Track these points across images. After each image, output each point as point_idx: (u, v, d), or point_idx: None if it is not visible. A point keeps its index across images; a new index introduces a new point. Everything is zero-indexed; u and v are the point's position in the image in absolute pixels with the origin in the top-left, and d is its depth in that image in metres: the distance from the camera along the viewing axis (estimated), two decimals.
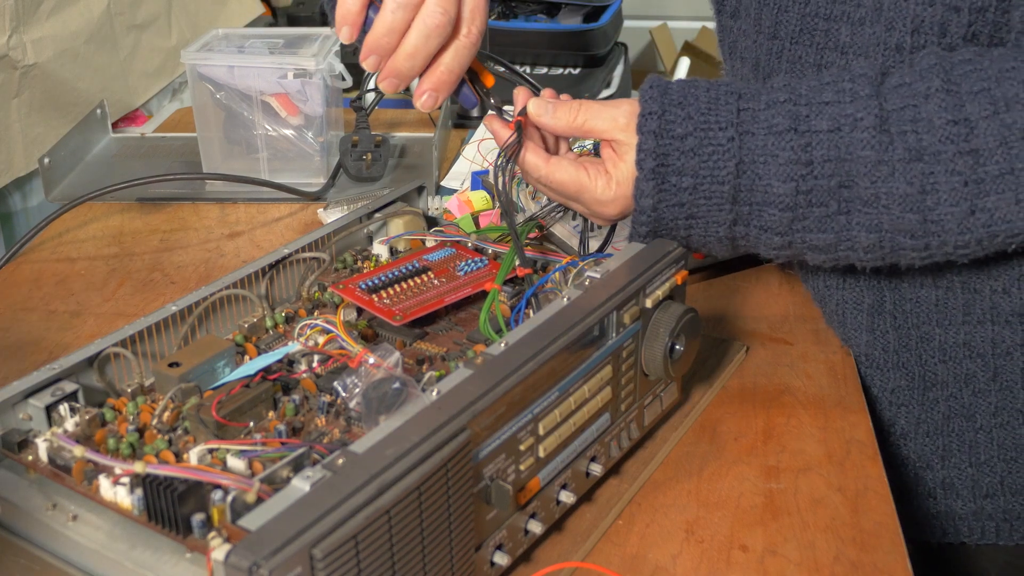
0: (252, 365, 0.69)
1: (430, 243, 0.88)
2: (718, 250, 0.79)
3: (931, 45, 0.76)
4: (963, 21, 0.75)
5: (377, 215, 0.90)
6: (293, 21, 1.97)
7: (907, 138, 0.71)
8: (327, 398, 0.68)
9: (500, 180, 0.78)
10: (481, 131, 1.33)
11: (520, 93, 0.81)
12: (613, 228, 0.87)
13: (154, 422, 0.66)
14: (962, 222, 0.71)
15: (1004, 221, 0.71)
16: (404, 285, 0.80)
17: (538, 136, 0.82)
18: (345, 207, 1.15)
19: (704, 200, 0.74)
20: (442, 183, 1.27)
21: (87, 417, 0.65)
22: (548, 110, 0.78)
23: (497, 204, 1.06)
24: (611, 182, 0.76)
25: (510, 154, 0.78)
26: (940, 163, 0.70)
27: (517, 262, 0.79)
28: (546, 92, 0.82)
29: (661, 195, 0.74)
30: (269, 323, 0.78)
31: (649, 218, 0.75)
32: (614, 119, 0.76)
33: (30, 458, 0.64)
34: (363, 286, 0.79)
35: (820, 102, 0.73)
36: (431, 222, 0.94)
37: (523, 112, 0.80)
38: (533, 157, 0.79)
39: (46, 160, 1.23)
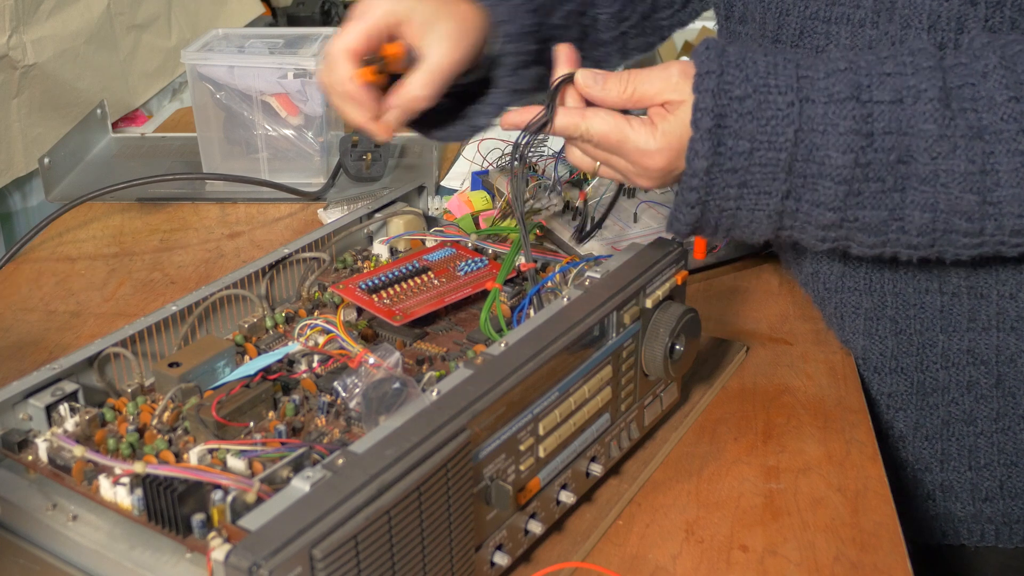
0: (252, 365, 0.69)
1: (430, 243, 0.88)
2: (762, 230, 0.74)
3: (948, 43, 0.76)
4: (980, 15, 0.75)
5: (377, 215, 0.90)
6: (293, 21, 1.98)
7: (968, 116, 0.69)
8: (327, 398, 0.68)
9: (518, 150, 0.74)
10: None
11: (561, 52, 0.76)
12: (609, 208, 0.85)
13: (154, 422, 0.66)
14: (1021, 204, 0.69)
15: None
16: (404, 285, 0.80)
17: (574, 98, 0.76)
18: (345, 207, 1.15)
19: (759, 167, 0.70)
20: (442, 183, 1.27)
21: (87, 417, 0.65)
22: (598, 81, 0.74)
23: (502, 199, 1.05)
24: (655, 131, 0.71)
25: (536, 127, 0.74)
26: (1001, 142, 0.68)
27: (522, 259, 0.79)
28: (565, 49, 0.76)
29: (716, 157, 0.70)
30: (269, 323, 0.78)
31: (701, 182, 0.70)
32: (666, 78, 0.72)
33: (30, 458, 0.64)
34: (363, 286, 0.79)
35: (881, 73, 0.70)
36: (431, 222, 0.94)
37: (564, 80, 0.74)
38: (566, 117, 0.74)
39: (46, 160, 1.23)
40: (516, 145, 0.75)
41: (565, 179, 1.11)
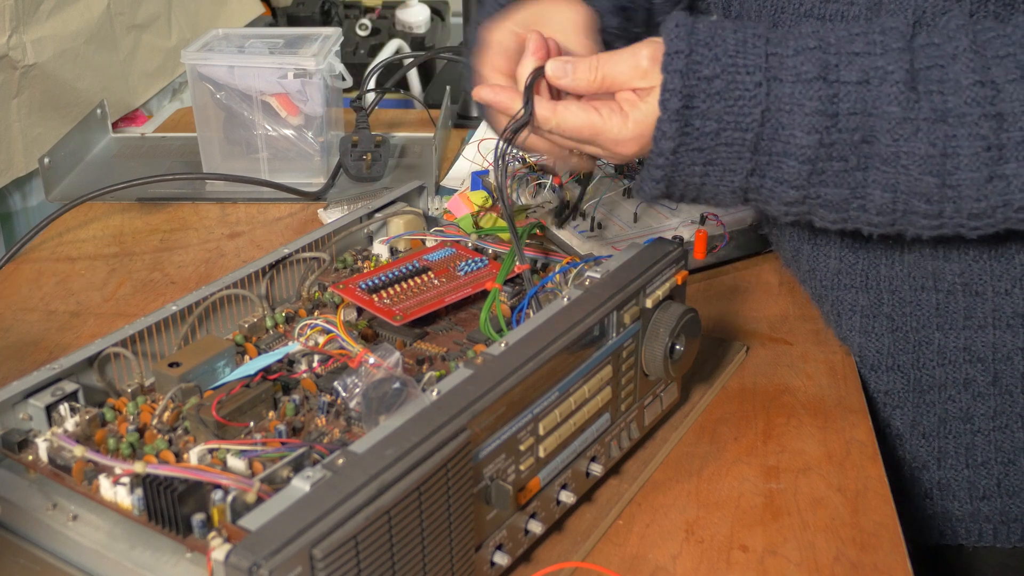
0: (252, 365, 0.69)
1: (430, 243, 0.88)
2: (727, 202, 0.75)
3: None
4: (964, 10, 0.75)
5: (377, 215, 0.90)
6: (293, 21, 1.97)
7: (933, 98, 0.69)
8: (327, 398, 0.68)
9: (502, 163, 0.75)
10: (481, 131, 1.33)
11: (531, 41, 0.77)
12: (583, 189, 0.84)
13: (154, 422, 0.66)
14: (980, 188, 0.69)
15: (1021, 190, 0.69)
16: (404, 285, 0.80)
17: (544, 89, 0.78)
18: (345, 207, 1.15)
19: (725, 147, 0.71)
20: (442, 183, 1.27)
21: (87, 417, 0.65)
22: (568, 70, 0.75)
23: (496, 199, 1.05)
24: (627, 121, 0.72)
25: (517, 126, 0.75)
26: (964, 126, 0.68)
27: (516, 261, 0.79)
28: (536, 38, 0.78)
29: (683, 138, 0.70)
30: (269, 323, 0.78)
31: (667, 161, 0.71)
32: (636, 65, 0.72)
33: (30, 458, 0.64)
34: (363, 286, 0.79)
35: (850, 52, 0.70)
36: (431, 222, 0.94)
37: (536, 75, 0.75)
38: (539, 110, 0.75)
39: (46, 160, 1.23)
40: (498, 144, 0.76)
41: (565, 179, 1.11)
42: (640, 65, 0.72)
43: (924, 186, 0.70)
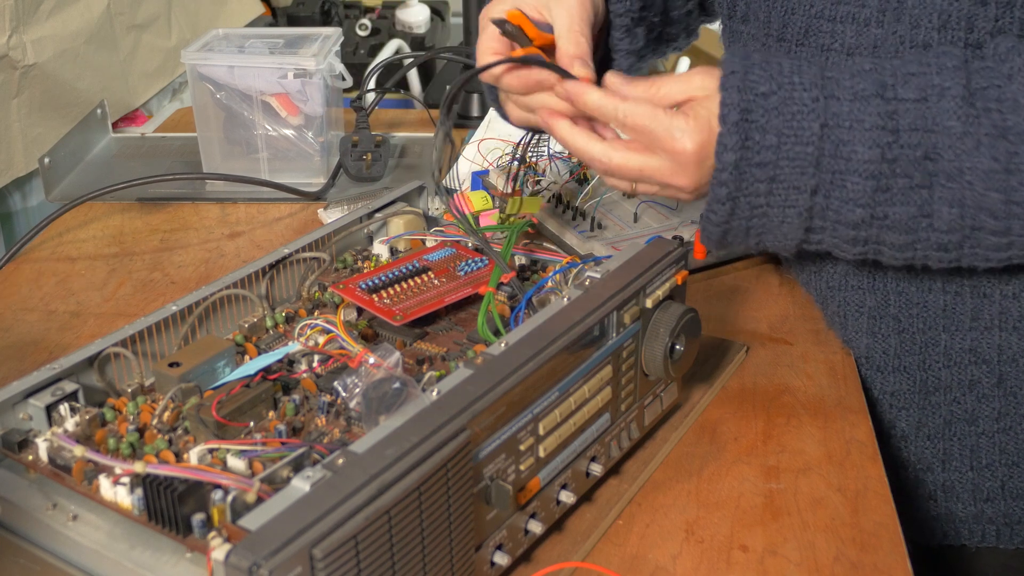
0: (252, 365, 0.69)
1: (430, 243, 0.88)
2: (793, 232, 0.75)
3: (957, 42, 0.76)
4: (990, 15, 0.75)
5: (377, 215, 0.90)
6: (293, 21, 1.97)
7: (992, 116, 0.70)
8: (327, 398, 0.68)
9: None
10: (481, 131, 1.33)
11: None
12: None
13: (154, 422, 0.66)
14: None
15: None
16: (404, 285, 0.80)
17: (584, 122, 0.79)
18: (345, 207, 1.15)
19: (788, 161, 0.71)
20: (442, 183, 1.27)
21: (87, 417, 0.65)
22: (624, 81, 0.76)
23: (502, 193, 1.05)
24: (688, 119, 0.73)
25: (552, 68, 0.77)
26: None
27: (521, 258, 0.78)
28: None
29: (744, 152, 0.71)
30: (269, 323, 0.78)
31: (730, 176, 0.72)
32: (688, 81, 0.74)
33: (30, 458, 0.64)
34: (363, 286, 0.79)
35: (906, 73, 0.72)
36: (431, 222, 0.94)
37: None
38: (604, 99, 0.76)
39: (46, 160, 1.23)
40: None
41: (566, 178, 1.11)
42: (693, 82, 0.74)
43: (989, 202, 0.70)
